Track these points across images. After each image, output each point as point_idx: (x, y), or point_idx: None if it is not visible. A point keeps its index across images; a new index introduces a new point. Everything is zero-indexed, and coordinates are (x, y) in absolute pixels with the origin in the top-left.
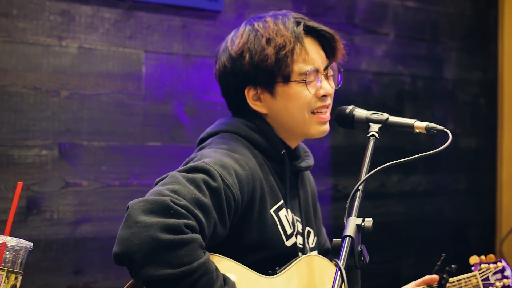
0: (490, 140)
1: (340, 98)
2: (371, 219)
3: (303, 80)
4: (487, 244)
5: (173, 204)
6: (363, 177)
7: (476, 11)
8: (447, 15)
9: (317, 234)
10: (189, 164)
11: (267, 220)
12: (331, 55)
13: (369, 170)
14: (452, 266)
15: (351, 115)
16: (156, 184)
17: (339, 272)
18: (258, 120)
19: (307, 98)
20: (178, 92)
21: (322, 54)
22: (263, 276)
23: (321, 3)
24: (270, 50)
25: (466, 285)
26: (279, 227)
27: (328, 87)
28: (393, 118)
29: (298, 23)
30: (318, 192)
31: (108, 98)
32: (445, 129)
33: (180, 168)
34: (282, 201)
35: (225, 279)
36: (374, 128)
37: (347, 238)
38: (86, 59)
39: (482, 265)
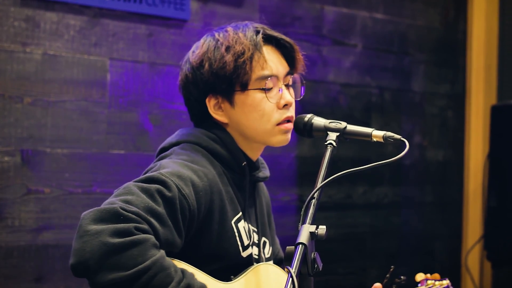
0: (457, 153)
1: (307, 109)
2: (324, 226)
3: (263, 88)
4: (453, 257)
5: (122, 211)
6: (319, 185)
7: (445, 24)
8: (416, 28)
9: (271, 244)
10: (146, 175)
11: (227, 231)
12: (291, 65)
13: (325, 179)
14: (402, 277)
15: (309, 124)
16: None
17: (291, 279)
18: (220, 131)
19: (269, 109)
20: (143, 100)
21: (284, 62)
22: (220, 282)
23: (289, 14)
24: (229, 58)
25: None
26: (237, 238)
27: (288, 96)
28: (351, 127)
29: (257, 32)
30: (283, 202)
31: (72, 105)
32: (402, 138)
33: (136, 179)
34: (241, 213)
35: (183, 271)
36: (332, 136)
37: (300, 245)
38: (51, 66)
39: (429, 281)
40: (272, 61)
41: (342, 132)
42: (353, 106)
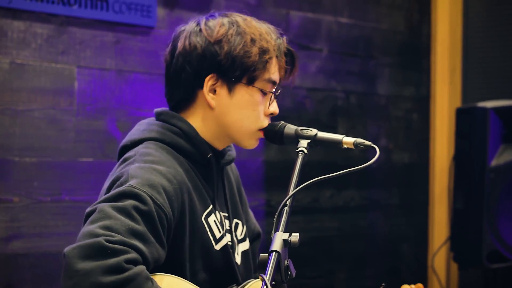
0: (423, 155)
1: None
2: (297, 234)
3: (266, 90)
4: (420, 258)
5: (108, 244)
6: (291, 192)
7: (409, 28)
8: (380, 31)
9: (245, 222)
10: (116, 190)
11: (199, 228)
12: (285, 77)
13: (297, 186)
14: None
15: (280, 131)
16: (86, 217)
17: (265, 287)
18: (183, 123)
19: (260, 112)
20: (111, 107)
21: (282, 72)
22: None
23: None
24: (254, 50)
25: None
26: (209, 233)
27: (277, 107)
28: (321, 134)
29: (281, 35)
30: (251, 208)
31: (40, 114)
32: (372, 145)
33: (107, 196)
34: (211, 206)
35: None
36: (303, 143)
37: (274, 253)
38: (18, 75)
39: None
40: (280, 70)
41: (313, 139)
42: (319, 110)
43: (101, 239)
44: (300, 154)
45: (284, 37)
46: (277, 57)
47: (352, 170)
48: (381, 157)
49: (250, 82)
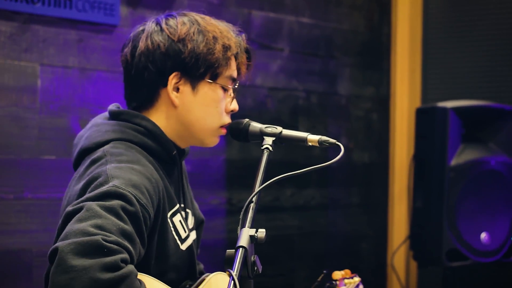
0: (382, 155)
1: (236, 113)
2: (264, 230)
3: (228, 86)
4: (379, 257)
5: (105, 243)
6: (257, 189)
7: (370, 28)
8: (341, 32)
9: (193, 212)
10: (100, 190)
11: (166, 228)
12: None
13: (262, 183)
14: (333, 282)
15: (245, 129)
16: (69, 217)
17: (232, 282)
18: (147, 122)
19: (222, 109)
20: (73, 105)
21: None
22: None
23: (217, 19)
24: (218, 47)
25: None
26: (174, 233)
27: (236, 104)
28: (286, 132)
29: (240, 32)
30: (213, 206)
31: (2, 112)
32: (337, 143)
33: (90, 195)
34: (177, 205)
35: None
36: (268, 141)
37: (241, 248)
38: None
39: (346, 281)
40: (242, 65)
41: (278, 137)
42: (280, 110)
43: (99, 237)
44: (265, 151)
45: (243, 35)
46: (238, 54)
47: (318, 167)
48: (341, 157)
49: (213, 79)
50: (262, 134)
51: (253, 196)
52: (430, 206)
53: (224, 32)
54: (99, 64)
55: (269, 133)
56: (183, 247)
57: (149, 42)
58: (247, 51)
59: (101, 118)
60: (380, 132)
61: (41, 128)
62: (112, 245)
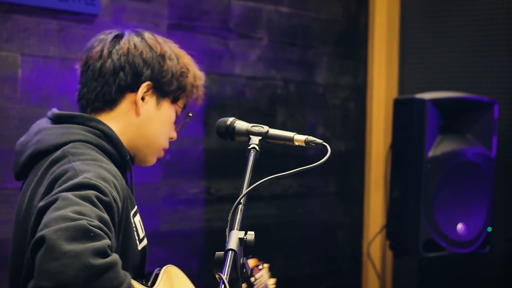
0: (359, 144)
1: (214, 102)
2: (253, 232)
3: (178, 113)
4: (355, 245)
5: (90, 227)
6: (245, 190)
7: (348, 17)
8: (319, 21)
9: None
10: (71, 182)
11: (129, 227)
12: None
13: (250, 183)
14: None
15: (231, 127)
16: (42, 211)
17: (223, 286)
18: (103, 126)
19: (170, 131)
20: (54, 95)
21: None
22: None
23: (196, 8)
24: (191, 73)
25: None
26: (135, 232)
27: (176, 134)
28: (273, 131)
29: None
30: (191, 195)
31: None
32: (323, 143)
33: (62, 188)
34: (136, 207)
35: None
36: (255, 140)
37: (230, 251)
38: None
39: (260, 266)
40: (198, 98)
41: (264, 136)
42: (258, 99)
43: (84, 221)
44: (252, 151)
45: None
46: (198, 86)
47: (306, 168)
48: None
49: (174, 101)
50: (248, 133)
51: (241, 197)
52: (407, 196)
53: (193, 63)
54: (80, 53)
55: (256, 132)
56: (140, 247)
57: (131, 45)
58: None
59: (45, 123)
60: (357, 121)
61: (21, 118)
62: (96, 229)
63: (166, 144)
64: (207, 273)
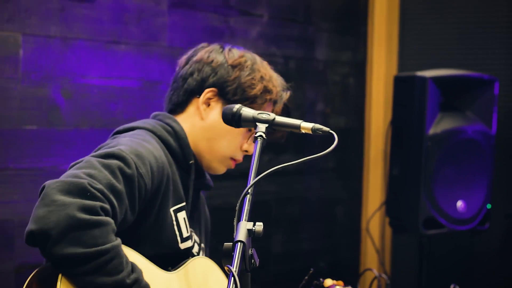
0: (359, 120)
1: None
2: (261, 223)
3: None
4: (354, 221)
5: (90, 187)
6: (252, 180)
7: None
8: None
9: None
10: (104, 150)
11: (166, 218)
12: None
13: (257, 172)
14: (321, 279)
15: (238, 114)
16: (70, 168)
17: (233, 279)
18: (176, 124)
19: (240, 142)
20: (55, 75)
21: None
22: (161, 270)
23: None
24: (260, 85)
25: None
26: (175, 227)
27: (252, 148)
28: (279, 119)
29: (285, 88)
30: None
31: None
32: (330, 131)
33: (95, 153)
34: (184, 203)
35: (133, 266)
36: (261, 128)
37: (239, 243)
38: None
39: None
40: None
41: (271, 124)
42: None
43: (85, 181)
44: (259, 139)
45: (289, 92)
46: (275, 102)
47: (314, 157)
48: (318, 122)
49: None
50: (255, 121)
51: (249, 187)
52: (407, 174)
53: (273, 79)
54: (81, 33)
55: (262, 119)
56: (182, 246)
57: (206, 55)
58: (285, 107)
59: None
60: (356, 98)
61: (22, 98)
62: (96, 192)
63: (234, 154)
64: None
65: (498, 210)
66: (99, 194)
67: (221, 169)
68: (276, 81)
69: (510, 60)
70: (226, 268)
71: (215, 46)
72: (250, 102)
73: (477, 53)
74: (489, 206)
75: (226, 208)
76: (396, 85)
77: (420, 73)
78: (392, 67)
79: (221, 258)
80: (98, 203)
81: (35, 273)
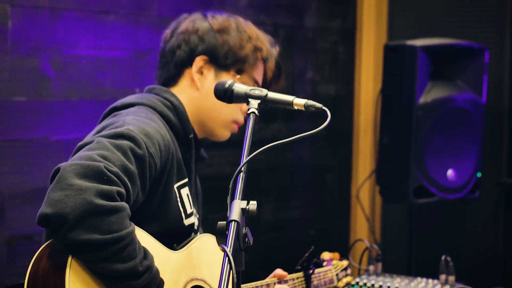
0: (348, 87)
1: None
2: (255, 202)
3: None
4: (344, 189)
5: (106, 171)
6: (245, 158)
7: None
8: None
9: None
10: (113, 130)
11: (171, 195)
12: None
13: (250, 149)
14: (321, 257)
15: (230, 90)
16: (79, 149)
17: (227, 258)
18: (174, 98)
19: (239, 104)
20: (44, 46)
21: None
22: (168, 250)
23: None
24: (249, 45)
25: (324, 277)
26: (179, 204)
27: None
28: (272, 94)
29: (273, 44)
30: None
31: None
32: (323, 107)
33: (104, 133)
34: (186, 179)
35: (145, 252)
36: (254, 104)
37: (233, 222)
38: None
39: (334, 262)
40: (269, 71)
41: (264, 100)
42: None
43: (101, 164)
44: (251, 115)
45: (278, 48)
46: (267, 59)
47: (307, 134)
48: (307, 90)
49: (238, 73)
50: (247, 97)
51: (242, 165)
52: (398, 143)
53: (260, 37)
54: (70, 3)
55: (255, 95)
56: (186, 222)
57: (190, 25)
58: (277, 65)
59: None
60: (345, 65)
61: (12, 70)
62: (112, 175)
63: (235, 117)
64: None
65: (488, 178)
66: (115, 178)
67: (225, 134)
68: (263, 38)
69: (500, 29)
70: (220, 247)
71: (198, 15)
72: (243, 62)
73: (467, 22)
74: (479, 174)
75: (217, 176)
76: (386, 54)
77: (410, 42)
78: (382, 35)
79: (215, 234)
80: (115, 188)
81: (47, 245)
